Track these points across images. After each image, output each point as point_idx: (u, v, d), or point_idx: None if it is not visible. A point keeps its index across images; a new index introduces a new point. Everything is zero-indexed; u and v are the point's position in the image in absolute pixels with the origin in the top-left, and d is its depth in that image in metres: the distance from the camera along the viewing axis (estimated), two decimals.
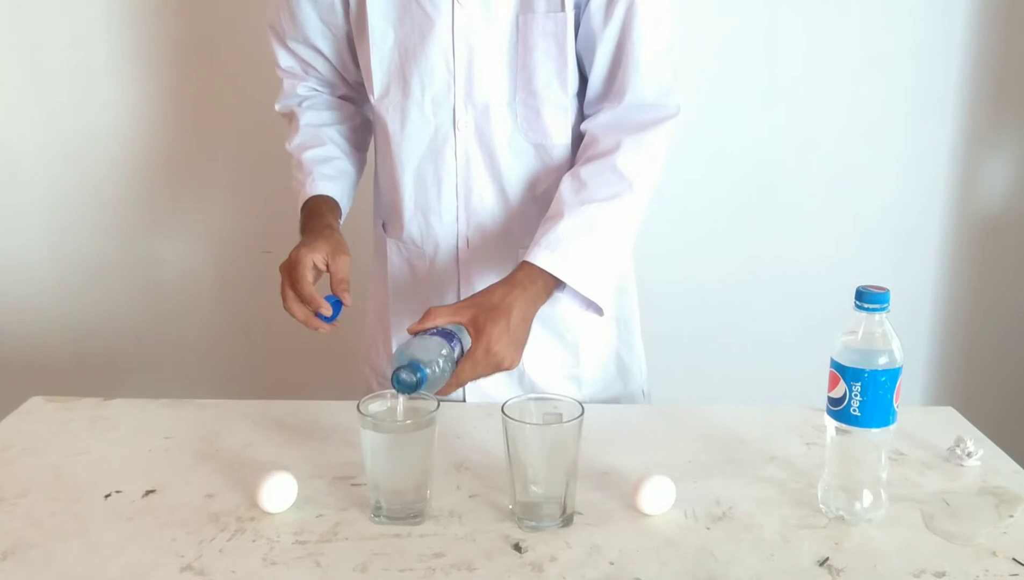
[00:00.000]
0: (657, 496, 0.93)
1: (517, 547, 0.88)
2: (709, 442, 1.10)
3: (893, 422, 0.91)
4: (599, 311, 1.14)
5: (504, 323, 1.03)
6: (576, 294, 1.12)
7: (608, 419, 1.15)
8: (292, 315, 1.09)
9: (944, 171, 2.05)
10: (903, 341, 0.90)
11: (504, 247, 1.21)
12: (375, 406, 0.94)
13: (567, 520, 0.91)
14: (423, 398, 0.94)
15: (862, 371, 0.89)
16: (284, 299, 1.09)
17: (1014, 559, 0.86)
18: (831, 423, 0.92)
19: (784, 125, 1.98)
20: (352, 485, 0.98)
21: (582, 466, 0.92)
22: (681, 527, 0.91)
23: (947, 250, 2.10)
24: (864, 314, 0.89)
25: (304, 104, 1.31)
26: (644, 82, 1.14)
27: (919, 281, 2.10)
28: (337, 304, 1.10)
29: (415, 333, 1.02)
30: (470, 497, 0.97)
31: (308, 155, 1.26)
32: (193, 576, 0.83)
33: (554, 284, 1.10)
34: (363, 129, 1.35)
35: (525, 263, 1.09)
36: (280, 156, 1.30)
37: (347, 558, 0.85)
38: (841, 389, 0.90)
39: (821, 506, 0.95)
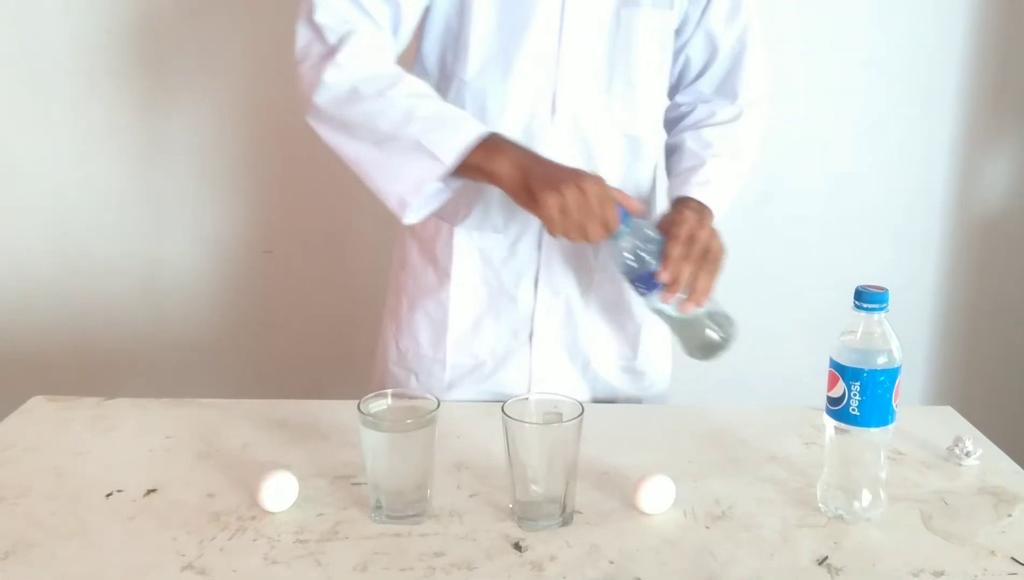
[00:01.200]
0: (657, 496, 0.93)
1: (517, 546, 0.88)
2: (709, 442, 1.11)
3: (892, 422, 0.91)
4: None
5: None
6: None
7: (608, 419, 1.15)
8: (590, 232, 1.06)
9: (944, 171, 2.05)
10: (902, 341, 0.90)
11: None
12: (375, 405, 0.94)
13: (567, 519, 0.91)
14: (424, 398, 0.94)
15: (861, 371, 0.89)
16: (595, 212, 1.05)
17: (1013, 558, 0.87)
18: (830, 423, 0.93)
19: (784, 125, 1.97)
20: (352, 484, 0.98)
21: (582, 466, 0.92)
22: (681, 527, 0.92)
23: (947, 249, 2.10)
24: (863, 314, 0.89)
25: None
26: (752, 86, 1.28)
27: (919, 281, 2.10)
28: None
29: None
30: (470, 497, 0.97)
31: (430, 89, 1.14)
32: (194, 575, 0.83)
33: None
34: None
35: (679, 199, 1.18)
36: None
37: (347, 557, 0.86)
38: (840, 389, 0.90)
39: (820, 505, 0.95)
